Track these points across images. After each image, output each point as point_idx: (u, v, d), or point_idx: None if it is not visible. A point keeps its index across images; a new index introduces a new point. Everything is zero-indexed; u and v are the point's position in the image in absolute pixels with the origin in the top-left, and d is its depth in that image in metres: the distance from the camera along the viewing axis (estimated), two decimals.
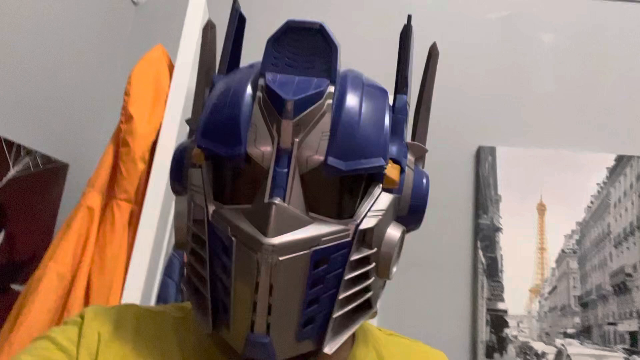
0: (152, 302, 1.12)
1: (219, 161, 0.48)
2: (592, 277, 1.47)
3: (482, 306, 1.46)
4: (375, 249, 0.46)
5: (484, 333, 1.44)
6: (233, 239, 0.43)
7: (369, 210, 0.46)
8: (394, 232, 0.47)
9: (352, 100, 0.47)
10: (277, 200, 0.42)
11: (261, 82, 0.46)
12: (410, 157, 0.51)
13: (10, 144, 1.26)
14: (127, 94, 1.12)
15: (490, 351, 1.42)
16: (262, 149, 0.44)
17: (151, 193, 1.05)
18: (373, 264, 0.46)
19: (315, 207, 0.45)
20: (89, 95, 1.59)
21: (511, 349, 1.42)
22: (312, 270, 0.43)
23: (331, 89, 0.46)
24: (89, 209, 1.06)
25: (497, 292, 1.47)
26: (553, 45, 1.67)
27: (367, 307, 0.49)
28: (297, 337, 0.44)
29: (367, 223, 0.45)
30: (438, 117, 1.63)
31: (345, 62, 0.51)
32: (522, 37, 1.68)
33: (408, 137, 0.54)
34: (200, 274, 0.47)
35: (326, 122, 0.45)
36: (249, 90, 0.47)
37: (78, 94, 1.54)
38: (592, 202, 1.51)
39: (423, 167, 0.54)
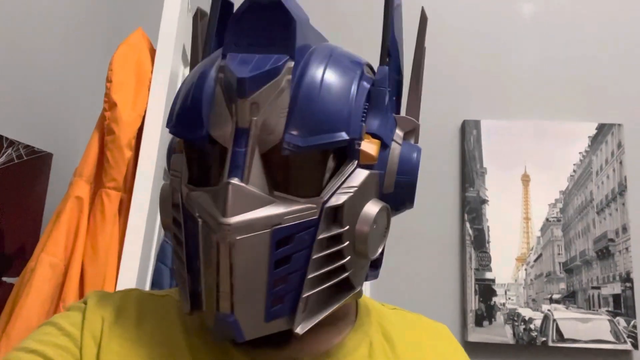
0: (147, 288, 1.12)
1: (190, 145, 0.49)
2: (575, 243, 1.51)
3: (471, 276, 1.49)
4: (347, 227, 0.45)
5: (473, 302, 1.48)
6: (199, 220, 0.43)
7: (339, 187, 0.45)
8: (371, 208, 0.46)
9: (313, 74, 0.45)
10: (235, 180, 0.41)
11: (222, 62, 0.46)
12: (398, 132, 0.50)
13: None
14: (109, 80, 1.10)
15: (479, 319, 1.46)
16: (224, 129, 0.44)
17: (140, 180, 1.04)
18: (346, 242, 0.45)
19: (281, 186, 0.44)
20: (69, 82, 1.56)
21: (499, 317, 1.47)
22: (274, 250, 0.42)
23: (291, 64, 0.45)
24: (77, 199, 1.06)
25: (484, 262, 1.51)
26: (533, 16, 1.67)
27: (347, 288, 0.48)
28: (266, 317, 0.44)
29: (336, 200, 0.44)
30: (423, 93, 1.64)
31: (337, 37, 0.51)
32: (502, 9, 1.68)
33: (404, 113, 0.53)
34: (180, 256, 0.48)
35: (285, 98, 0.44)
36: (212, 72, 0.46)
37: (58, 81, 1.51)
38: (574, 171, 1.54)
39: (416, 142, 0.53)
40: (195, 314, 0.47)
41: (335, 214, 0.45)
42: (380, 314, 0.60)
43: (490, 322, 1.47)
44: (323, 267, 0.45)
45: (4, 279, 1.32)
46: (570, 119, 1.58)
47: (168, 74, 1.13)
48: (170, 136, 0.53)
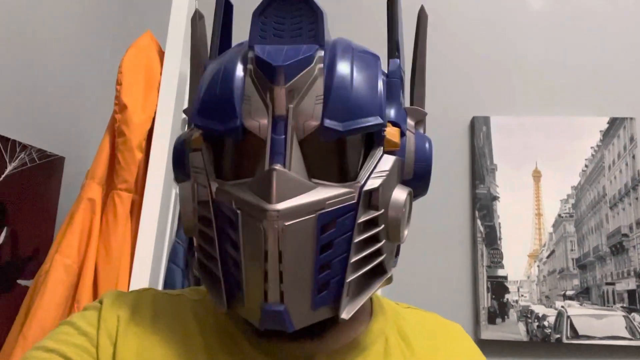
0: (159, 289, 1.13)
1: (218, 139, 0.49)
2: (589, 239, 1.49)
3: (482, 274, 1.48)
4: (382, 211, 0.46)
5: (486, 300, 1.47)
6: (238, 211, 0.43)
7: (372, 171, 0.45)
8: (400, 193, 0.47)
9: (343, 63, 0.46)
10: (278, 166, 0.41)
11: (250, 54, 0.46)
12: (409, 122, 0.51)
13: (5, 140, 1.26)
14: (119, 83, 1.11)
15: (492, 317, 1.45)
16: (258, 119, 0.44)
17: (151, 181, 1.05)
18: (382, 226, 0.46)
19: (317, 173, 0.45)
20: (80, 86, 1.58)
21: (512, 314, 1.46)
22: (319, 235, 0.43)
23: (321, 53, 0.46)
24: (90, 201, 1.07)
25: (496, 260, 1.50)
26: (541, 10, 1.66)
27: (381, 272, 0.48)
28: (313, 305, 0.44)
29: (372, 184, 0.45)
30: (430, 90, 1.63)
31: (341, 31, 0.52)
32: (512, 3, 1.67)
33: (407, 104, 0.54)
34: (210, 254, 0.47)
35: (319, 86, 0.45)
36: (239, 65, 0.46)
37: (69, 86, 1.53)
38: (586, 166, 1.52)
39: (425, 132, 0.54)
40: (234, 311, 0.47)
41: (370, 198, 0.45)
42: (396, 312, 0.60)
43: (503, 320, 1.46)
44: (363, 251, 0.45)
45: (19, 281, 1.33)
46: (581, 114, 1.56)
47: (177, 75, 1.14)
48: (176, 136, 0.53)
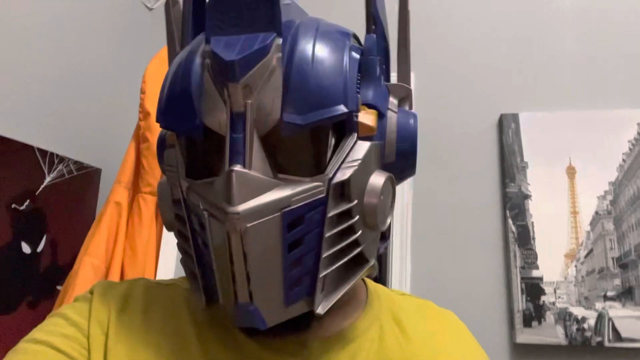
0: None
1: (184, 137, 0.47)
2: (629, 237, 1.41)
3: (516, 275, 1.43)
4: (356, 201, 0.44)
5: (520, 302, 1.41)
6: (204, 212, 0.42)
7: (342, 162, 0.43)
8: (376, 180, 0.45)
9: (303, 48, 0.43)
10: (237, 167, 0.40)
11: (207, 48, 0.43)
12: (392, 100, 0.49)
13: (44, 152, 1.34)
14: (142, 91, 1.17)
15: (528, 320, 1.40)
16: (218, 116, 0.42)
17: None
18: (357, 217, 0.44)
19: (285, 168, 0.43)
20: (114, 100, 1.66)
21: (549, 316, 1.39)
22: (286, 233, 0.41)
23: (279, 41, 0.43)
24: (117, 204, 1.12)
25: (530, 260, 1.44)
26: (571, 4, 1.61)
27: (362, 262, 0.47)
28: (286, 301, 0.43)
29: (342, 175, 0.43)
30: (456, 88, 1.62)
31: (319, 8, 0.50)
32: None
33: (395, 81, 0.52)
34: (187, 252, 0.47)
35: (277, 77, 0.42)
36: (197, 59, 0.44)
37: (104, 100, 1.61)
38: (624, 161, 1.45)
39: (411, 108, 0.51)
40: (211, 307, 0.46)
41: (342, 190, 0.44)
42: (390, 299, 0.59)
43: (540, 323, 1.39)
44: (336, 245, 0.44)
45: (58, 287, 1.40)
46: (616, 106, 1.50)
47: None
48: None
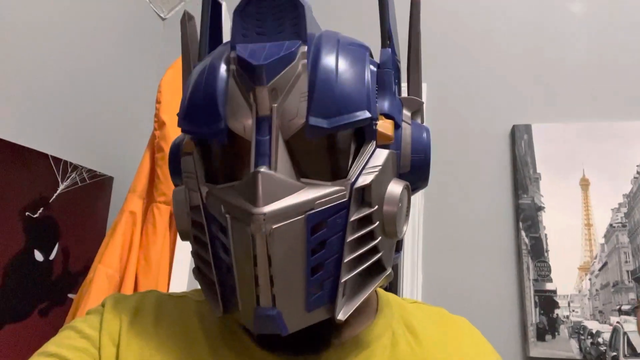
0: None
1: (206, 142, 0.48)
2: None
3: (529, 288, 1.42)
4: (376, 207, 0.44)
5: (534, 315, 1.40)
6: (227, 216, 0.42)
7: (363, 167, 0.44)
8: (395, 187, 0.46)
9: (327, 57, 0.44)
10: (263, 169, 0.40)
11: (232, 54, 0.45)
12: (406, 112, 0.50)
13: (57, 160, 1.35)
14: (158, 101, 1.17)
15: (541, 333, 1.38)
16: (243, 121, 0.43)
17: None
18: (377, 223, 0.45)
19: (307, 172, 0.44)
20: (128, 109, 1.67)
21: (563, 330, 1.38)
22: (309, 236, 0.41)
23: (304, 48, 0.44)
24: (131, 213, 1.12)
25: (543, 273, 1.43)
26: (583, 15, 1.61)
27: (379, 270, 0.47)
28: (307, 307, 0.42)
29: (363, 180, 0.43)
30: (468, 99, 1.62)
31: (332, 22, 0.51)
32: (551, 10, 1.63)
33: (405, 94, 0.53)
34: (205, 259, 0.46)
35: (303, 82, 0.43)
36: (222, 66, 0.45)
37: (118, 109, 1.62)
38: (638, 173, 1.44)
39: (422, 122, 0.52)
40: (230, 316, 0.46)
41: (363, 195, 0.44)
42: (402, 306, 0.59)
43: (554, 336, 1.38)
44: (357, 250, 0.44)
45: (70, 295, 1.40)
46: (631, 118, 1.49)
47: None
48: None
